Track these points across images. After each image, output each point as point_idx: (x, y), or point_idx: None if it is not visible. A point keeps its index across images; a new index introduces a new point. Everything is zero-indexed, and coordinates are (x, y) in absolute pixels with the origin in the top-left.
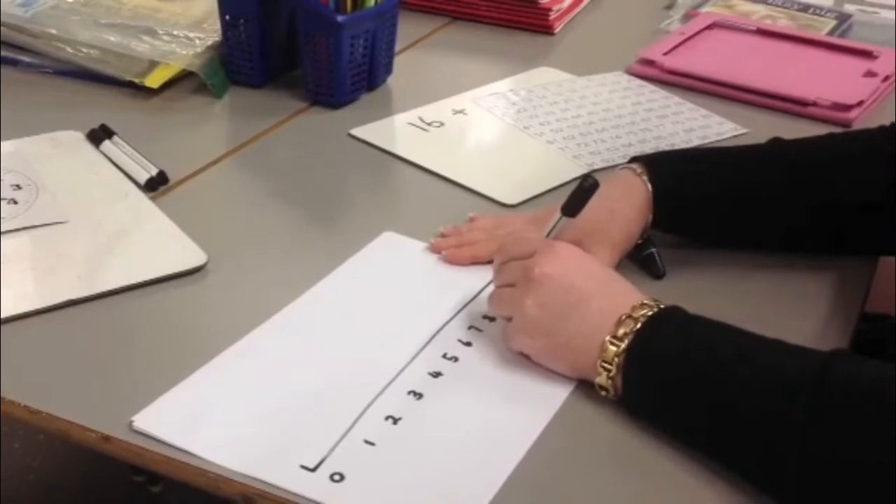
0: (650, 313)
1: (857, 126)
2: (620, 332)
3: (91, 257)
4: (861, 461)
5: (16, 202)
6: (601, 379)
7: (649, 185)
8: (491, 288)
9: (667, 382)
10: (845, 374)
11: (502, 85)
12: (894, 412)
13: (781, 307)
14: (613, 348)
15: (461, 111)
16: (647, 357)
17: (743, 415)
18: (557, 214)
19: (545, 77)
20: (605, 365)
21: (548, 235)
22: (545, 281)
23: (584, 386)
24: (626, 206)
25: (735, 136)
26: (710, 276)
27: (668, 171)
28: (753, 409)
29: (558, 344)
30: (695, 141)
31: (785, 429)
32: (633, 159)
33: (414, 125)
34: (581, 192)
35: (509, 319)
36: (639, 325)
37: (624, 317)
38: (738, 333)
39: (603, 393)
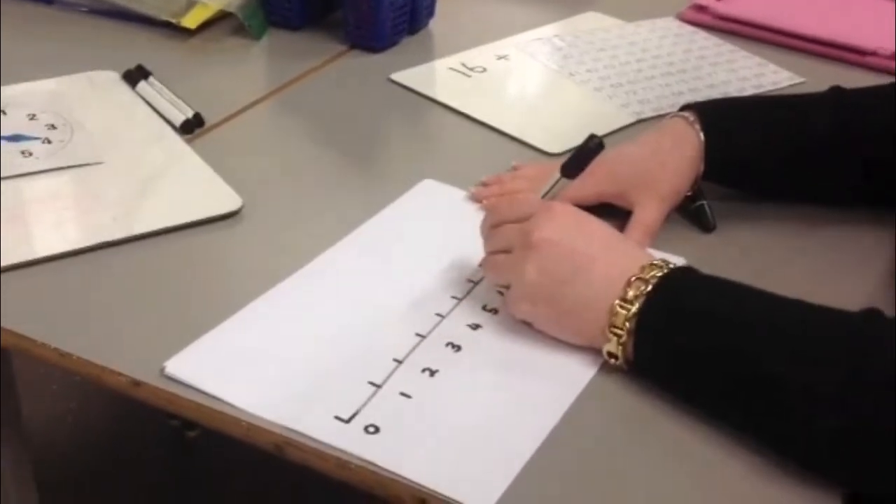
0: (660, 274)
1: None
2: (630, 294)
3: (126, 199)
4: None
5: (50, 142)
6: (610, 346)
7: (702, 135)
8: None
9: (684, 347)
10: (887, 338)
11: (548, 30)
12: None
13: (837, 264)
14: (623, 312)
15: (504, 57)
16: (661, 321)
17: (773, 383)
18: (556, 174)
19: (592, 22)
20: (615, 330)
21: (544, 196)
22: (545, 245)
23: None
24: (676, 156)
25: (791, 86)
26: (764, 230)
27: (722, 119)
28: (786, 378)
29: (562, 311)
30: (749, 90)
31: (822, 398)
32: (686, 107)
33: (456, 70)
34: (584, 153)
35: (507, 287)
36: (650, 288)
37: (633, 279)
38: (757, 295)
39: (612, 361)
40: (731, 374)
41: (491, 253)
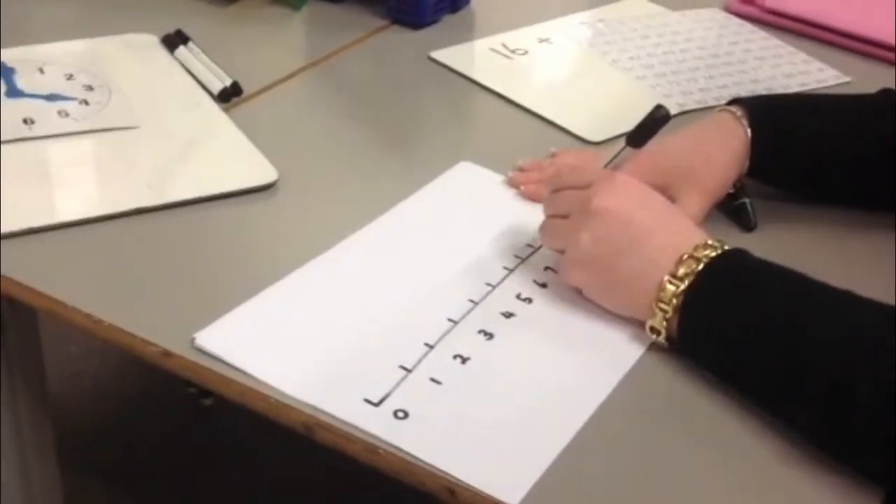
0: (714, 254)
1: None
2: (680, 271)
3: (161, 166)
4: None
5: (87, 103)
6: (655, 320)
7: (749, 131)
8: None
9: (728, 329)
10: None
11: (591, 14)
12: None
13: (879, 269)
14: (672, 288)
15: (547, 40)
16: (708, 301)
17: (815, 372)
18: (621, 144)
19: (637, 9)
20: (661, 305)
21: (607, 166)
22: (603, 214)
23: None
24: (723, 151)
25: (837, 85)
26: (806, 232)
27: (770, 117)
28: (829, 369)
29: (613, 280)
30: (794, 87)
31: (864, 390)
32: (733, 101)
33: (497, 52)
34: (651, 123)
35: (561, 252)
36: (701, 266)
37: (685, 256)
38: (807, 283)
39: (654, 336)
40: (773, 360)
41: (550, 217)
